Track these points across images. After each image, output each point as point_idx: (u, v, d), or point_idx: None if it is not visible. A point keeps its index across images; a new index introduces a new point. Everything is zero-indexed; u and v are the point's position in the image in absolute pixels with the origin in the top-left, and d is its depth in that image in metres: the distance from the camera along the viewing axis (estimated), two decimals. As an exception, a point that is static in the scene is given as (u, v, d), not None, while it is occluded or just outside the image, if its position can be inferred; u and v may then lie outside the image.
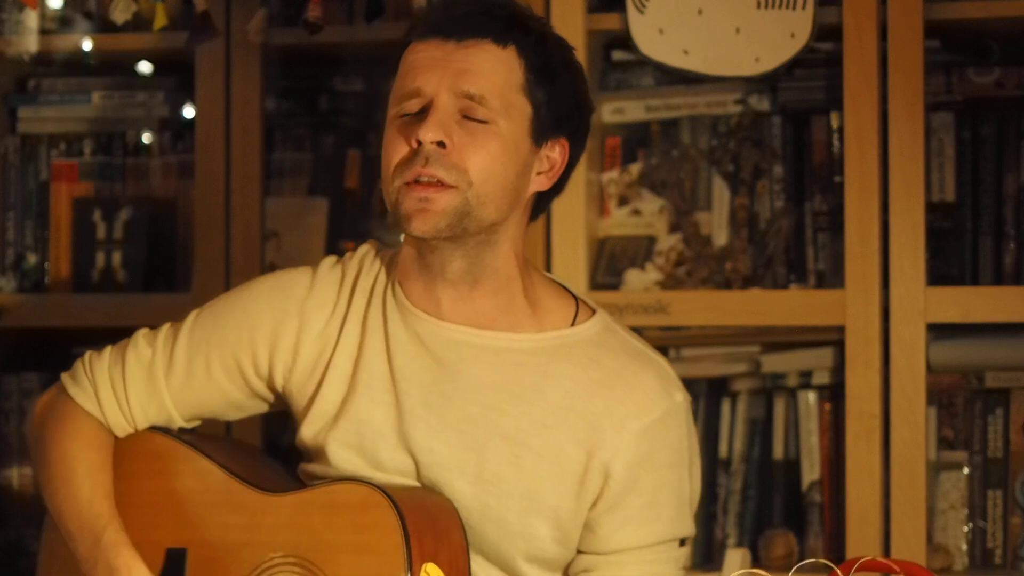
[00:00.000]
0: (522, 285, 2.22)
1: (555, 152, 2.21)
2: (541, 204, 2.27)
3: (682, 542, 2.24)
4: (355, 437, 2.22)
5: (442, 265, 2.18)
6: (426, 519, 2.15)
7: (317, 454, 2.27)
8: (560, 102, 2.20)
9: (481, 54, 2.16)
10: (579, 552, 2.23)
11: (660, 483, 2.20)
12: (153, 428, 2.32)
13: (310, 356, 2.27)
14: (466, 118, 2.14)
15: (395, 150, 2.16)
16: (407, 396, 2.21)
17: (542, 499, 2.18)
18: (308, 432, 2.26)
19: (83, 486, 2.25)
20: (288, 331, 2.27)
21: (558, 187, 2.27)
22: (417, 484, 2.23)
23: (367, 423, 2.22)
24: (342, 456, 2.23)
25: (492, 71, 2.16)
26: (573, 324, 2.24)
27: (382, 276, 2.28)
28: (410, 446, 2.21)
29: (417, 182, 2.12)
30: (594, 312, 2.27)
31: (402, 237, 2.24)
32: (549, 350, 2.21)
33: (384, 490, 2.13)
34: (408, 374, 2.21)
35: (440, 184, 2.12)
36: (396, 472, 2.22)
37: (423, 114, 2.15)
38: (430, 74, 2.15)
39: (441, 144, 2.12)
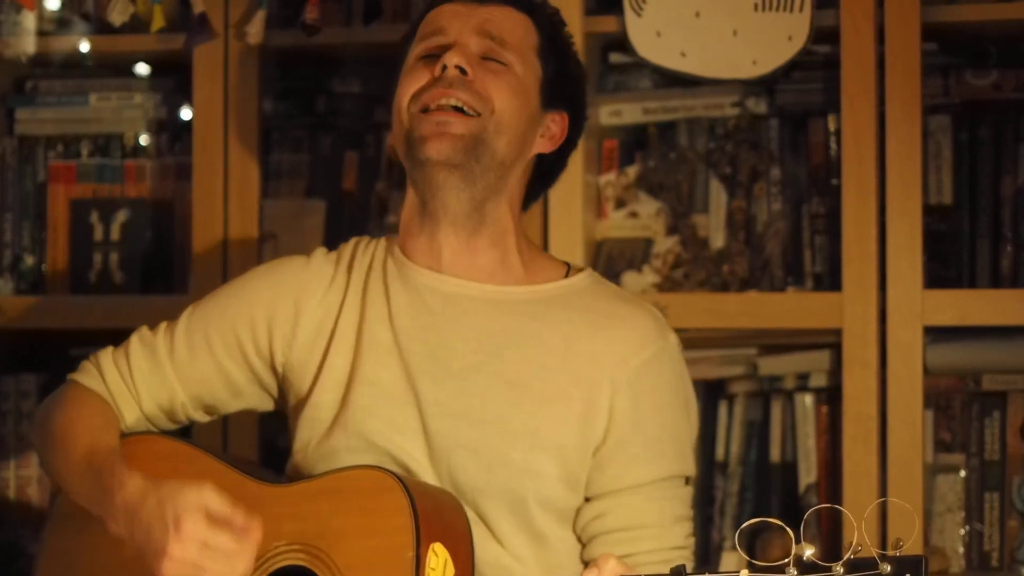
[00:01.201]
0: (516, 242, 2.31)
1: (556, 124, 2.33)
2: (534, 190, 2.36)
3: (687, 481, 2.30)
4: (369, 399, 2.26)
5: (445, 205, 2.24)
6: (434, 505, 2.17)
7: (333, 427, 2.28)
8: (567, 77, 2.34)
9: (503, 12, 2.30)
10: (588, 500, 2.26)
11: (662, 420, 2.27)
12: (156, 432, 2.36)
13: (311, 327, 2.32)
14: (486, 59, 2.26)
15: (413, 80, 2.27)
16: (411, 354, 2.26)
17: (546, 436, 2.23)
18: (324, 399, 2.29)
19: (80, 448, 2.25)
20: (286, 304, 2.33)
21: (551, 176, 2.38)
22: (425, 463, 2.26)
23: (375, 384, 2.26)
24: (359, 419, 2.26)
25: (513, 26, 2.29)
26: (567, 277, 2.33)
27: (379, 252, 2.35)
28: (418, 401, 2.25)
29: (437, 108, 2.21)
30: (583, 270, 2.36)
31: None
32: (546, 300, 2.29)
33: (395, 474, 2.15)
34: (412, 333, 2.27)
35: (460, 112, 2.21)
36: (408, 431, 2.25)
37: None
38: (455, 20, 2.28)
39: (463, 72, 2.22)
